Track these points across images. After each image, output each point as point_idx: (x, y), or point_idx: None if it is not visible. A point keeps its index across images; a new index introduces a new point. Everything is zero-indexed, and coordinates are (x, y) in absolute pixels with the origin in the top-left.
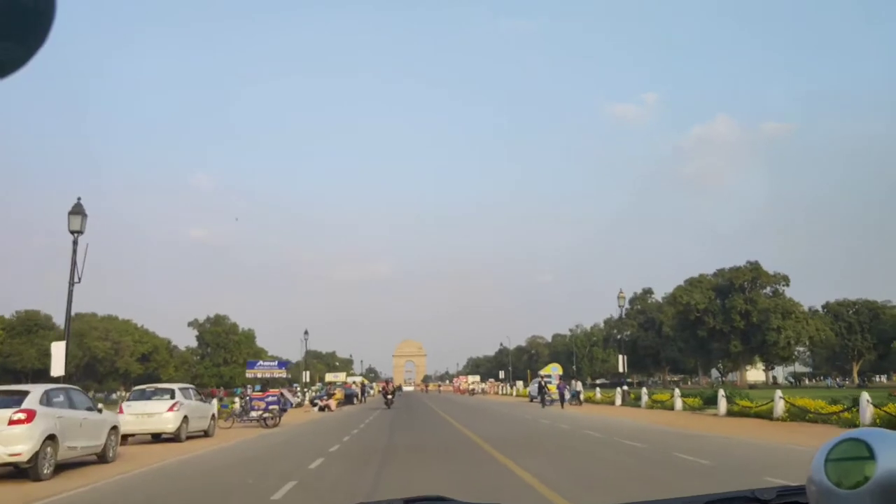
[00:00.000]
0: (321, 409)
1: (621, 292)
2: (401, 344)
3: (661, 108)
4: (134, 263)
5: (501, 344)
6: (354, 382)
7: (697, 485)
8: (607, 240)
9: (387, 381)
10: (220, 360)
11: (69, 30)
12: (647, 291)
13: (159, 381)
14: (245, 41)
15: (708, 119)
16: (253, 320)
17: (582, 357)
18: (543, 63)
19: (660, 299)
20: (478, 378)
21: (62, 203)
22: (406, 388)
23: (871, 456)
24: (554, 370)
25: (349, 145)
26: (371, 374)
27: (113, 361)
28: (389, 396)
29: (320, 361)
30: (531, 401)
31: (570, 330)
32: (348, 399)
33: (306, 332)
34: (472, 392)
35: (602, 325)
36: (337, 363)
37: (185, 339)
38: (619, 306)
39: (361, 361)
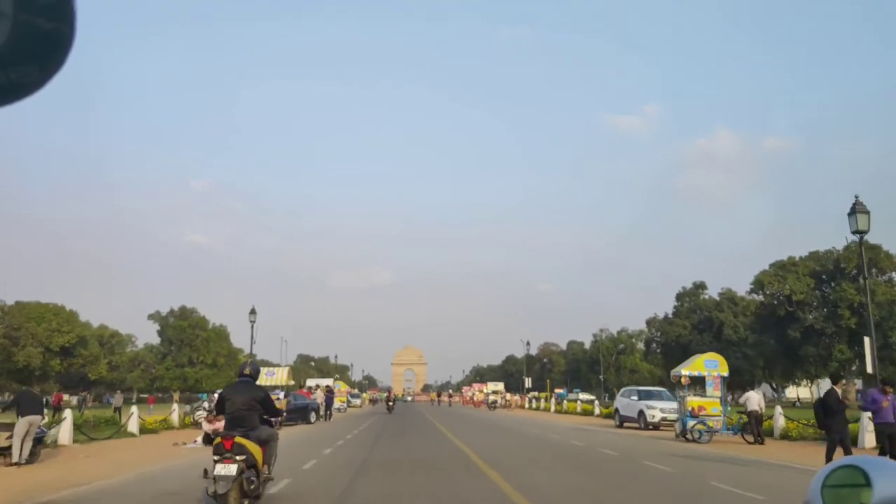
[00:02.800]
0: (206, 440)
1: None
2: (401, 351)
3: (664, 120)
4: (137, 268)
5: (520, 351)
6: (318, 387)
7: None
8: (612, 250)
9: (389, 391)
10: (185, 359)
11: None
12: (700, 286)
13: (84, 381)
14: (247, 47)
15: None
16: (242, 323)
17: (608, 366)
18: (546, 73)
19: (715, 295)
20: (501, 387)
21: None
22: (407, 398)
23: (868, 483)
24: (711, 365)
25: (351, 152)
26: (366, 382)
27: (10, 354)
28: (391, 403)
29: (312, 367)
30: (620, 425)
31: (594, 335)
32: (299, 414)
33: (251, 312)
34: (493, 405)
35: (629, 330)
36: (328, 370)
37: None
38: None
39: (362, 371)
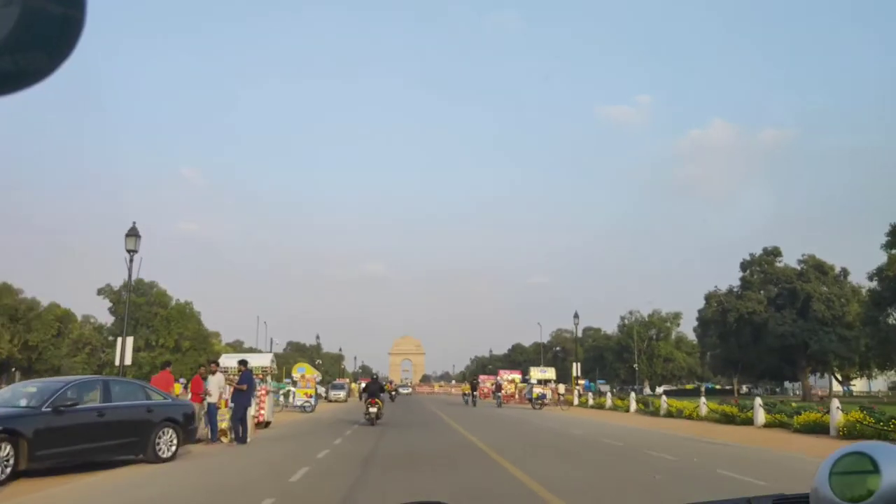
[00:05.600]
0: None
1: None
2: (398, 340)
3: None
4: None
5: (527, 339)
6: (234, 370)
7: None
8: (608, 241)
9: (373, 378)
10: (142, 342)
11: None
12: (772, 252)
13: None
14: (241, 43)
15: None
16: (238, 314)
17: (639, 354)
18: (537, 65)
19: (795, 263)
20: (551, 374)
21: None
22: (403, 391)
23: (876, 470)
24: None
25: (345, 144)
26: (360, 371)
27: None
28: (373, 410)
29: (303, 355)
30: None
31: (622, 317)
32: (120, 437)
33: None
34: (540, 403)
35: (663, 312)
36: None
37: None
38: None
39: (355, 358)
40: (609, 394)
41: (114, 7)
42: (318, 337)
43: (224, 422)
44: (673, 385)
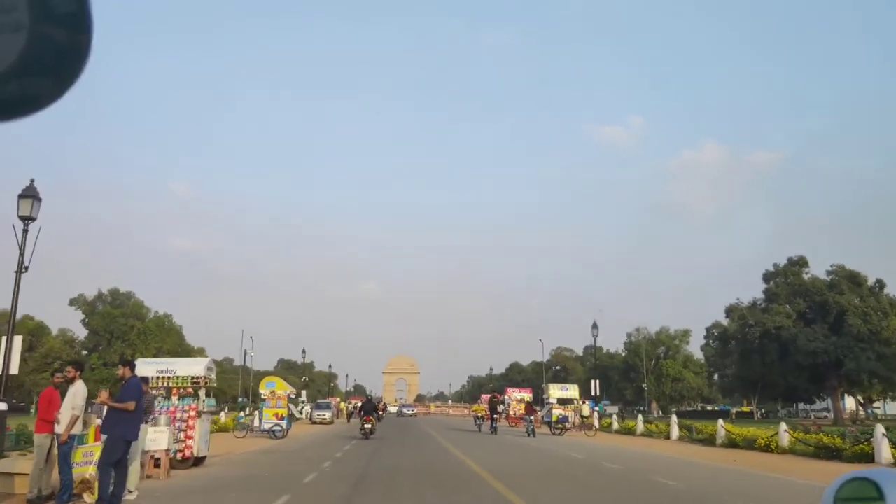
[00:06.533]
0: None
1: None
2: (392, 360)
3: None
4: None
5: (525, 359)
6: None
7: None
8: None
9: (368, 398)
10: (116, 357)
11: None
12: (798, 263)
13: None
14: (233, 53)
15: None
16: (228, 332)
17: (647, 373)
18: (530, 81)
19: (823, 275)
20: (573, 392)
21: None
22: (406, 411)
23: (881, 496)
24: None
25: (335, 161)
26: (352, 391)
27: None
28: (368, 426)
29: (293, 373)
30: None
31: (628, 334)
32: None
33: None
34: (561, 428)
35: (671, 330)
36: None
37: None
38: None
39: (347, 375)
40: (619, 416)
41: (109, 5)
42: (303, 352)
43: (90, 466)
44: (683, 407)
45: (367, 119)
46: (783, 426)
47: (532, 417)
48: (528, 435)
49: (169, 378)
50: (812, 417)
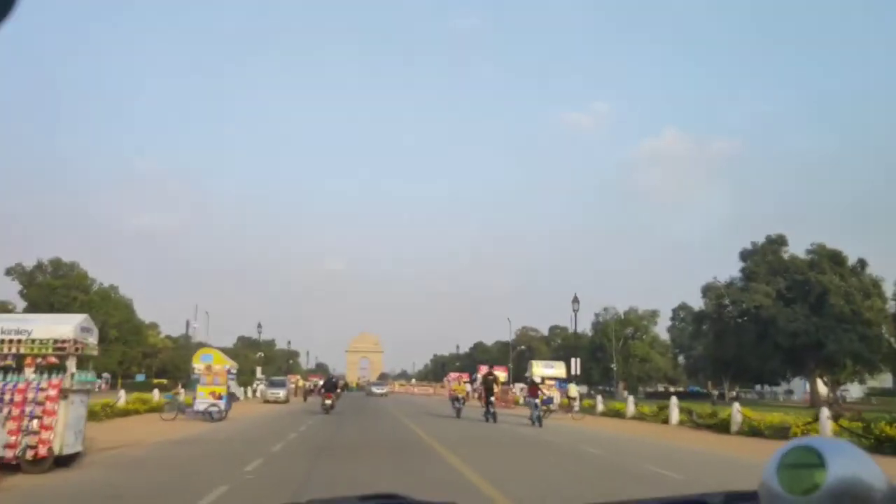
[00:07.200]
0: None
1: None
2: (356, 338)
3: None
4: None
5: (489, 338)
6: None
7: None
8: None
9: (329, 377)
10: None
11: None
12: (777, 241)
13: None
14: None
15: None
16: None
17: (613, 353)
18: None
19: (803, 253)
20: (559, 370)
21: None
22: (376, 390)
23: (822, 464)
24: None
25: (300, 140)
26: (314, 370)
27: None
28: (328, 402)
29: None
30: None
31: (596, 314)
32: None
33: None
34: (545, 410)
35: (639, 310)
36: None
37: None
38: None
39: (308, 353)
40: (581, 396)
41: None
42: (259, 326)
43: None
44: (648, 387)
45: (334, 96)
46: (825, 412)
47: (537, 401)
48: (533, 424)
49: (20, 342)
50: (782, 399)
